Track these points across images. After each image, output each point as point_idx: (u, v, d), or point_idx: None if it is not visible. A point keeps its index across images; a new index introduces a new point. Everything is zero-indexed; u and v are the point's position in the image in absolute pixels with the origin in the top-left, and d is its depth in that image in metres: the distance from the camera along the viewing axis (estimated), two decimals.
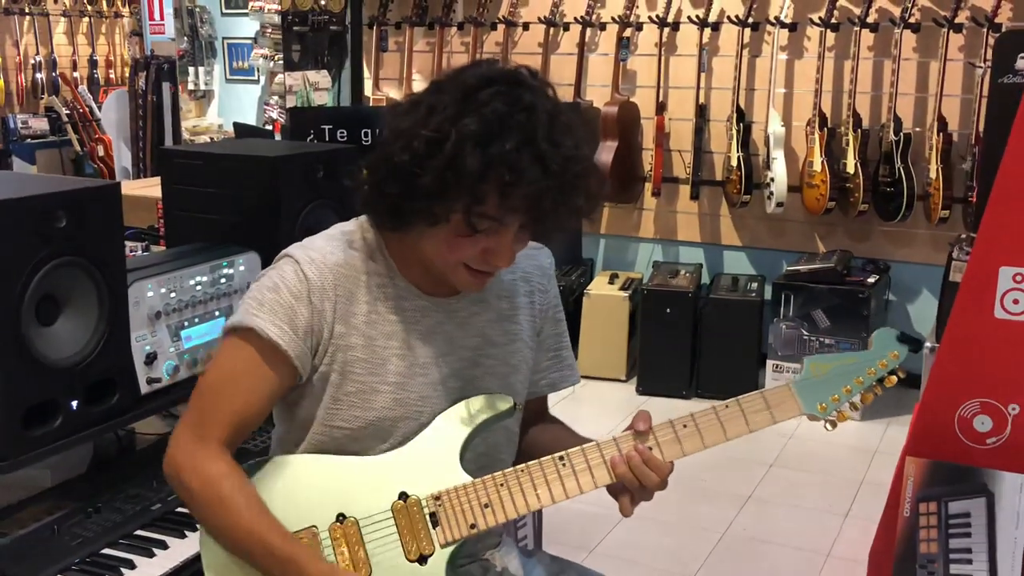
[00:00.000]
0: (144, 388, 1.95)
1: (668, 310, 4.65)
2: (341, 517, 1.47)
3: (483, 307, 1.59)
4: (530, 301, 1.65)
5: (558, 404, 1.78)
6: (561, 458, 1.48)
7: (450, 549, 1.47)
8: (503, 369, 1.60)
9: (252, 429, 1.51)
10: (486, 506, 1.47)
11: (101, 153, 7.03)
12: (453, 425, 1.51)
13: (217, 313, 2.12)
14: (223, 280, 2.14)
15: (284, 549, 1.41)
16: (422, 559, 1.46)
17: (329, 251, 1.51)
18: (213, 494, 1.43)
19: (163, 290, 2.00)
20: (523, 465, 1.48)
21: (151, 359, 1.97)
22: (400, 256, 1.53)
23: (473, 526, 1.47)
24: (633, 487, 1.47)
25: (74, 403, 1.79)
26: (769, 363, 4.62)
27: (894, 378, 1.48)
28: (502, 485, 1.48)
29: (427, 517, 1.47)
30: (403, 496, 1.48)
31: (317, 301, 1.47)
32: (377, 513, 1.47)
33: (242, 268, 2.18)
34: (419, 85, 5.43)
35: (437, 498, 1.47)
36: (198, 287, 2.08)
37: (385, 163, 1.41)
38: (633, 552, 3.23)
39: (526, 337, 1.63)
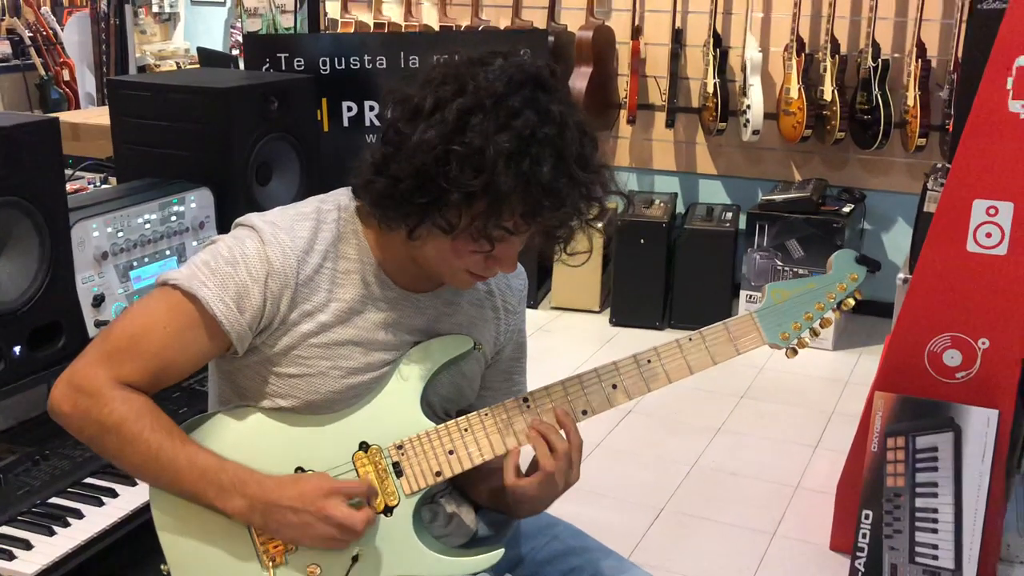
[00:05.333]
0: (92, 331, 1.90)
1: (642, 240, 4.60)
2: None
3: (454, 309, 1.53)
4: (496, 317, 1.59)
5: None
6: (525, 399, 1.45)
7: (416, 499, 1.44)
8: (457, 378, 1.55)
9: (167, 385, 1.43)
10: (450, 452, 1.44)
11: (67, 77, 6.84)
12: (411, 371, 1.47)
13: (168, 252, 2.06)
14: (174, 218, 2.07)
15: (220, 470, 1.37)
16: (387, 510, 1.43)
17: (298, 233, 1.42)
18: (129, 430, 1.36)
19: (109, 229, 1.93)
20: (487, 409, 1.46)
21: (99, 301, 1.91)
22: (378, 244, 1.46)
23: (438, 473, 1.44)
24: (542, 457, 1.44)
25: (17, 348, 1.73)
26: (743, 293, 4.60)
27: (851, 301, 1.46)
28: (466, 430, 1.45)
29: (390, 466, 1.43)
30: (364, 446, 1.44)
31: (275, 288, 1.39)
32: (337, 465, 1.43)
33: (193, 205, 2.11)
34: (389, 8, 5.27)
35: (400, 447, 1.44)
36: (147, 225, 2.01)
37: (415, 174, 1.31)
38: (602, 485, 3.24)
39: (486, 350, 1.58)
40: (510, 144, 1.28)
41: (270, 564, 1.41)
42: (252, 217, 1.45)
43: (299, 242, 1.41)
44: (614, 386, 1.45)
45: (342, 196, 1.49)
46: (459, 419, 1.46)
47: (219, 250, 1.41)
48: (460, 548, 1.56)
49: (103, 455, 1.43)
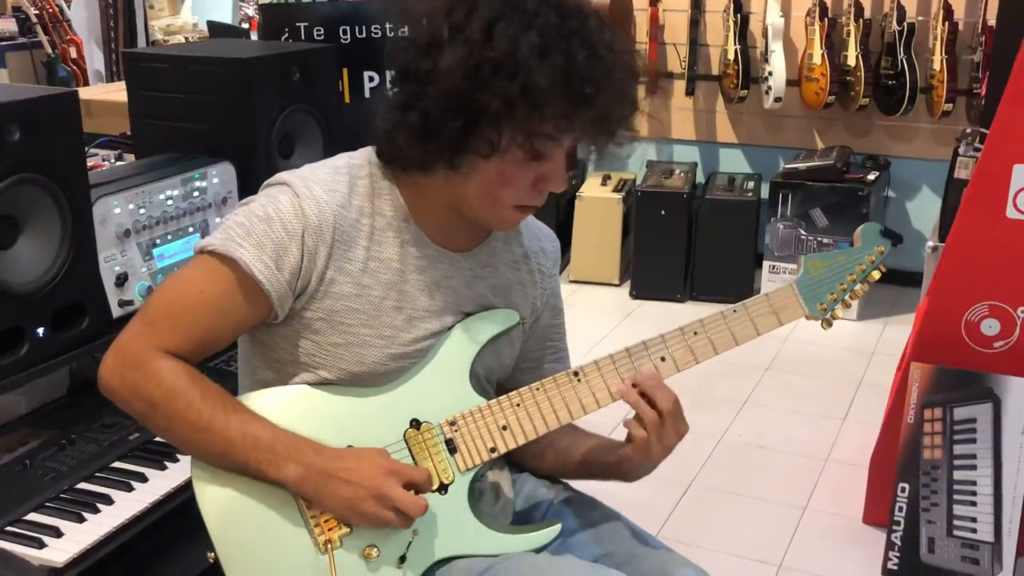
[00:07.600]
0: (116, 311, 1.85)
1: (662, 212, 4.53)
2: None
3: (490, 272, 1.50)
4: (532, 280, 1.56)
5: None
6: (576, 373, 1.43)
7: (470, 475, 1.41)
8: (498, 349, 1.51)
9: (211, 352, 1.40)
10: (504, 428, 1.42)
11: (74, 55, 6.78)
12: (458, 346, 1.44)
13: (191, 229, 2.01)
14: (196, 194, 2.01)
15: (275, 438, 1.33)
16: (442, 488, 1.40)
17: (333, 187, 1.38)
18: (178, 400, 1.32)
19: (131, 206, 1.88)
20: (538, 383, 1.43)
21: (122, 280, 1.86)
22: (414, 198, 1.41)
23: (493, 449, 1.42)
24: (647, 416, 1.42)
25: (40, 330, 1.69)
26: (766, 264, 4.53)
27: (877, 273, 1.49)
28: (518, 405, 1.42)
29: (443, 444, 1.41)
30: (415, 424, 1.40)
31: (311, 243, 1.35)
32: (390, 444, 1.39)
33: (216, 180, 2.06)
34: None
35: (452, 423, 1.41)
36: (169, 202, 1.96)
37: (447, 98, 1.28)
38: None
39: (525, 314, 1.54)
40: (539, 41, 1.26)
41: (328, 547, 1.36)
42: (283, 174, 1.41)
43: (334, 195, 1.38)
44: (663, 358, 1.44)
45: (370, 152, 1.44)
46: (511, 394, 1.43)
47: (253, 209, 1.37)
48: (511, 524, 1.53)
49: (153, 428, 1.39)
